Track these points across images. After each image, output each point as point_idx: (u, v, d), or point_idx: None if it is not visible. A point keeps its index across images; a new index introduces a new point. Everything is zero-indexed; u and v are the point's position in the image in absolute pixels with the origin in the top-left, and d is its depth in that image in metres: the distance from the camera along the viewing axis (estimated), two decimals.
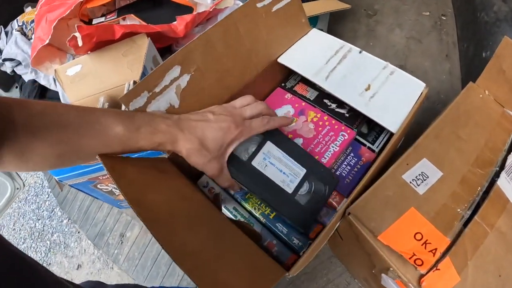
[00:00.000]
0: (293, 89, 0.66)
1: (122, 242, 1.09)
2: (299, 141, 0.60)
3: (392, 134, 0.54)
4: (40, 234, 1.81)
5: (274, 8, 0.59)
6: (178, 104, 0.51)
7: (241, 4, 0.81)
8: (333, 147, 0.59)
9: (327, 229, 0.45)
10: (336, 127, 0.61)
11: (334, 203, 0.56)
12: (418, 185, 0.50)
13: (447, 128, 0.56)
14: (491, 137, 0.57)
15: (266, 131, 0.51)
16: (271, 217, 0.56)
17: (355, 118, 0.61)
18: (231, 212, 0.57)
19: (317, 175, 0.53)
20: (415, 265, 0.44)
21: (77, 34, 0.62)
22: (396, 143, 0.56)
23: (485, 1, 1.00)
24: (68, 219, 1.44)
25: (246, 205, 0.57)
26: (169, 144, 0.45)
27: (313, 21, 0.84)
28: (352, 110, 0.61)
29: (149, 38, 0.66)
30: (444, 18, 1.11)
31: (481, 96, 0.63)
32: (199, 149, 0.46)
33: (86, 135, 0.40)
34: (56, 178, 0.75)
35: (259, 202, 0.57)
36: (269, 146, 0.52)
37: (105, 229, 1.09)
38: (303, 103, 0.64)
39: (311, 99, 0.64)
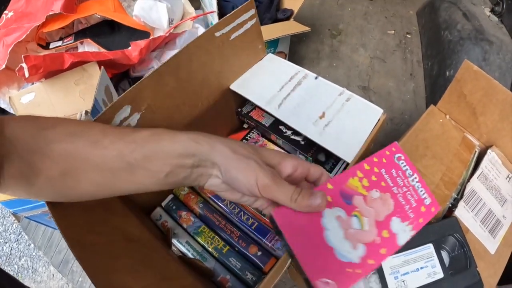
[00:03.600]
0: (249, 114, 0.65)
1: None
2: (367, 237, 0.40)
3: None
4: (8, 258, 1.75)
5: (233, 36, 0.57)
6: None
7: (199, 27, 0.81)
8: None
9: (279, 263, 0.43)
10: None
11: None
12: None
13: None
14: (447, 171, 0.57)
15: None
16: (224, 251, 0.54)
17: (310, 146, 0.60)
18: (184, 247, 0.55)
19: (440, 234, 0.47)
20: None
21: (24, 65, 0.60)
22: None
23: (449, 20, 1.02)
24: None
25: (199, 239, 0.55)
26: (201, 142, 0.35)
27: (274, 44, 0.84)
28: (307, 137, 0.60)
29: (102, 67, 0.64)
30: (409, 36, 1.12)
31: (441, 121, 0.64)
32: (233, 152, 0.36)
33: (97, 145, 0.34)
34: (11, 210, 0.71)
35: (211, 236, 0.55)
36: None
37: (69, 256, 1.05)
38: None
39: (267, 125, 0.63)
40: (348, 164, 0.52)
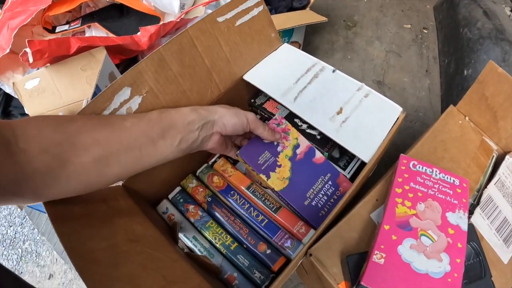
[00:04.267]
0: (263, 106, 0.62)
1: None
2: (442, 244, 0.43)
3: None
4: (12, 241, 1.75)
5: (238, 22, 0.55)
6: None
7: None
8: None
9: (291, 266, 0.42)
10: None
11: (299, 234, 0.52)
12: None
13: None
14: (465, 175, 0.54)
15: None
16: (232, 248, 0.52)
17: (326, 141, 0.58)
18: (190, 241, 0.53)
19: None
20: None
21: (28, 50, 0.58)
22: (369, 173, 0.53)
23: (469, 17, 0.98)
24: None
25: (206, 234, 0.54)
26: (199, 109, 0.47)
27: (288, 33, 0.81)
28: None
29: (105, 53, 0.62)
30: (426, 31, 1.09)
31: (460, 122, 0.61)
32: (225, 109, 0.49)
33: (121, 129, 0.39)
34: None
35: (219, 232, 0.54)
36: None
37: None
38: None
39: None
40: (363, 162, 0.50)
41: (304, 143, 0.58)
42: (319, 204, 0.54)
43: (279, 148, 0.56)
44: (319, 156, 0.58)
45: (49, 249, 1.64)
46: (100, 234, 0.39)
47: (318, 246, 0.44)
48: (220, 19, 0.53)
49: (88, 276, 0.31)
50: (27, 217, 1.75)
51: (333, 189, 0.56)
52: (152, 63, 0.46)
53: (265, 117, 0.64)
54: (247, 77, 0.59)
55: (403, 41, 1.03)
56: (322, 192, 0.55)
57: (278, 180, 0.54)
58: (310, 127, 0.59)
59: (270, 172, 0.54)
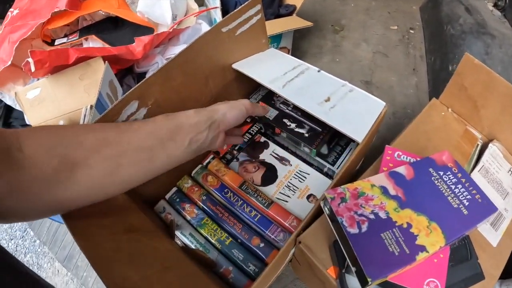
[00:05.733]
0: None
1: None
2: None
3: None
4: (13, 254, 1.76)
5: (238, 32, 0.58)
6: None
7: (203, 23, 0.82)
8: None
9: (280, 254, 0.44)
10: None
11: (291, 227, 0.55)
12: None
13: None
14: None
15: None
16: (226, 243, 0.55)
17: (314, 138, 0.60)
18: (187, 238, 0.55)
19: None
20: None
21: (30, 60, 0.61)
22: (358, 160, 0.55)
23: (451, 14, 1.02)
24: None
25: (202, 231, 0.56)
26: (202, 110, 0.46)
27: (277, 39, 0.84)
28: (311, 130, 0.61)
29: (106, 62, 0.65)
30: (412, 31, 1.12)
31: (443, 113, 0.64)
32: (224, 102, 0.49)
33: (128, 130, 0.39)
34: None
35: (215, 228, 0.56)
36: None
37: (74, 251, 1.07)
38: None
39: (271, 118, 0.63)
40: (352, 148, 0.52)
41: (382, 179, 0.47)
42: (468, 196, 0.45)
43: (381, 214, 0.43)
44: (402, 170, 0.48)
45: (51, 261, 1.65)
46: (101, 223, 0.42)
47: (307, 233, 0.47)
48: (224, 30, 0.55)
49: (92, 256, 0.34)
50: (28, 229, 1.76)
51: (448, 173, 0.48)
52: (160, 76, 0.48)
53: (255, 119, 0.68)
54: (236, 66, 0.61)
55: (389, 41, 1.06)
56: (452, 186, 0.46)
57: (430, 236, 0.41)
58: (298, 126, 0.62)
59: (416, 243, 0.40)
